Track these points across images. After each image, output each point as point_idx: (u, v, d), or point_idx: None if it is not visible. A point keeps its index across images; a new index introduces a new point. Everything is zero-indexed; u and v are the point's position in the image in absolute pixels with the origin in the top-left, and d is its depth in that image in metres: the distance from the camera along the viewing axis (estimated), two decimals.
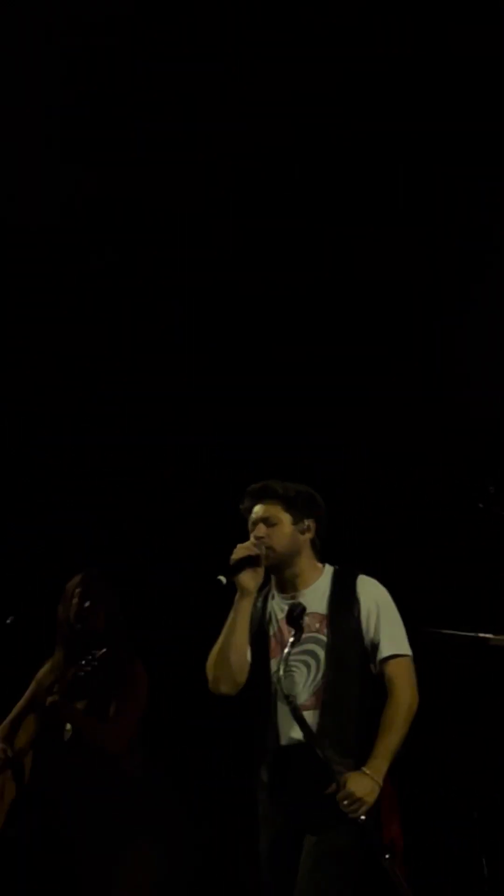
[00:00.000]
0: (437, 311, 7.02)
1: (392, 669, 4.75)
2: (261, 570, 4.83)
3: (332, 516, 5.09)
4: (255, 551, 4.81)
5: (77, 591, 5.82)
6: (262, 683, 4.80)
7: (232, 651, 4.78)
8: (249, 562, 4.80)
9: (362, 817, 4.58)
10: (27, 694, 5.89)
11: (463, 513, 6.04)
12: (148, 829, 5.59)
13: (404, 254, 6.94)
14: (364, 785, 4.58)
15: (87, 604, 5.77)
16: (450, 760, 6.52)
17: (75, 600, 5.79)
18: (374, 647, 4.78)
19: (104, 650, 5.61)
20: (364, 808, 4.56)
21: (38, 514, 7.10)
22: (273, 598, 4.92)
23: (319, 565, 4.95)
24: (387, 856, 4.57)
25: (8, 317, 7.19)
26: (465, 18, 6.57)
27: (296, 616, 4.69)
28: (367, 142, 6.94)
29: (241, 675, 4.80)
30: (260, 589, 4.89)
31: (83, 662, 5.60)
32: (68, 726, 5.65)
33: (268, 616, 4.89)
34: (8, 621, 5.90)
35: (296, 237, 7.15)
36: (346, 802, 4.54)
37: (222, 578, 4.72)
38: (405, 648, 4.81)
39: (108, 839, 5.52)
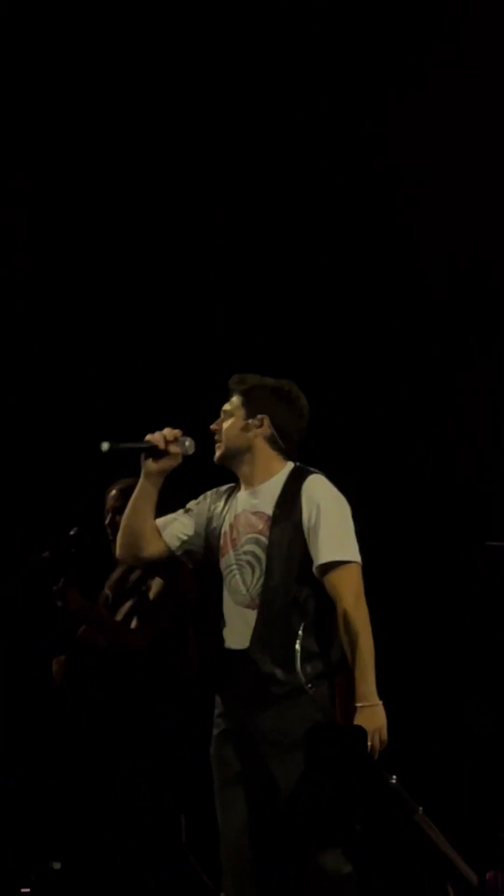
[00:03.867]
0: None
1: (332, 578, 4.55)
2: (164, 463, 4.71)
3: None
4: (160, 443, 4.70)
5: (111, 504, 5.67)
6: (215, 580, 4.73)
7: (129, 524, 4.77)
8: (150, 450, 4.72)
9: (393, 778, 4.59)
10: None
11: None
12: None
13: None
14: (365, 718, 4.52)
15: (118, 518, 5.48)
16: None
17: (109, 516, 5.68)
18: (312, 548, 4.58)
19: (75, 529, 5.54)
20: (381, 734, 4.53)
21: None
22: (237, 491, 4.79)
23: (280, 463, 4.74)
24: (420, 809, 4.64)
25: None
26: None
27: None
28: None
29: (139, 549, 4.77)
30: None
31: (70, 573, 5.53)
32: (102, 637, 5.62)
33: (227, 511, 4.75)
34: (71, 532, 5.72)
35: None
36: (369, 744, 4.50)
37: (104, 445, 4.69)
38: (348, 555, 4.57)
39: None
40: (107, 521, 5.70)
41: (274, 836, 4.60)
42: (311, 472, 4.75)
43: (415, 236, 7.14)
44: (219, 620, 4.72)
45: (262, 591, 4.63)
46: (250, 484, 4.77)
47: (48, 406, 7.21)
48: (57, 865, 5.37)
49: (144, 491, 4.78)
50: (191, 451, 4.75)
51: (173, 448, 4.74)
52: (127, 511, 4.82)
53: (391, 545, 6.59)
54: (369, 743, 4.52)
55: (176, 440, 4.74)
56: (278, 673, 4.58)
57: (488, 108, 7.15)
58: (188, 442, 4.74)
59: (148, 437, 4.75)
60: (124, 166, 7.35)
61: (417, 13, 7.25)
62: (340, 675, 4.67)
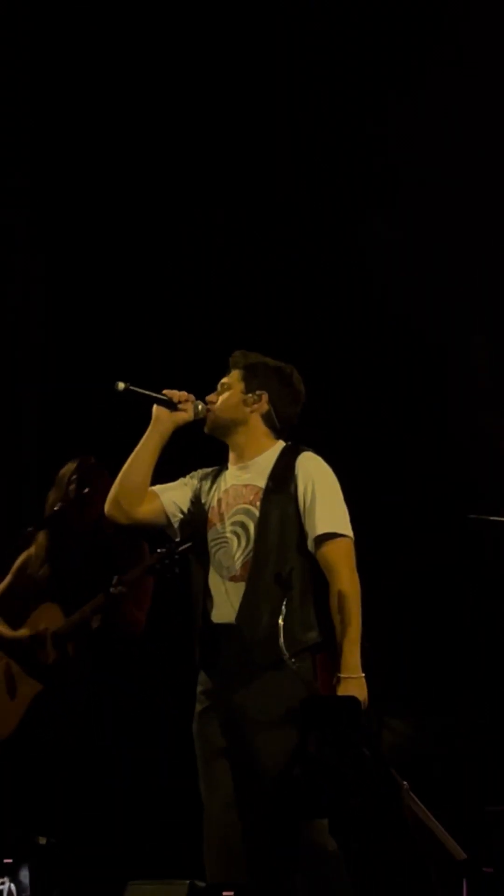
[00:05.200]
0: None
1: (327, 551, 4.60)
2: (177, 415, 4.75)
3: None
4: (175, 397, 4.75)
5: (73, 477, 5.70)
6: (201, 554, 4.74)
7: (128, 475, 4.73)
8: (165, 402, 4.76)
9: None
10: (7, 582, 5.83)
11: None
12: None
13: None
14: (352, 689, 4.51)
15: (85, 490, 5.63)
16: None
17: (72, 486, 5.68)
18: (307, 520, 4.63)
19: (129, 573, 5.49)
20: (364, 706, 4.52)
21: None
22: (223, 470, 4.83)
23: (272, 441, 4.81)
24: (405, 784, 4.57)
25: None
26: None
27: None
28: None
29: (132, 504, 4.74)
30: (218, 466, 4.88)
31: (111, 588, 5.50)
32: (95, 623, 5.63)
33: (215, 486, 4.79)
34: (56, 508, 5.75)
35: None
36: None
37: (120, 384, 4.70)
38: (343, 529, 4.63)
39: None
40: (69, 499, 5.69)
41: (260, 811, 4.56)
42: (305, 449, 4.79)
43: (413, 235, 7.14)
44: (204, 597, 4.70)
45: (252, 559, 4.63)
46: (241, 458, 4.81)
47: (38, 397, 7.23)
48: (42, 840, 5.32)
49: (150, 441, 4.78)
50: (202, 414, 4.81)
51: (185, 406, 4.78)
52: (126, 465, 4.78)
53: (378, 520, 6.57)
54: None
55: (188, 401, 4.80)
56: (264, 644, 4.55)
57: (489, 107, 7.15)
58: (200, 405, 4.81)
59: (166, 391, 4.79)
60: (124, 165, 7.37)
61: (417, 13, 7.26)
62: (321, 652, 4.66)
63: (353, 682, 4.53)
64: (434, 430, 6.82)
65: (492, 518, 5.06)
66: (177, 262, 7.36)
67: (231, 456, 4.84)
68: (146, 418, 4.84)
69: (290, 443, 4.84)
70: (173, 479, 4.89)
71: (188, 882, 4.65)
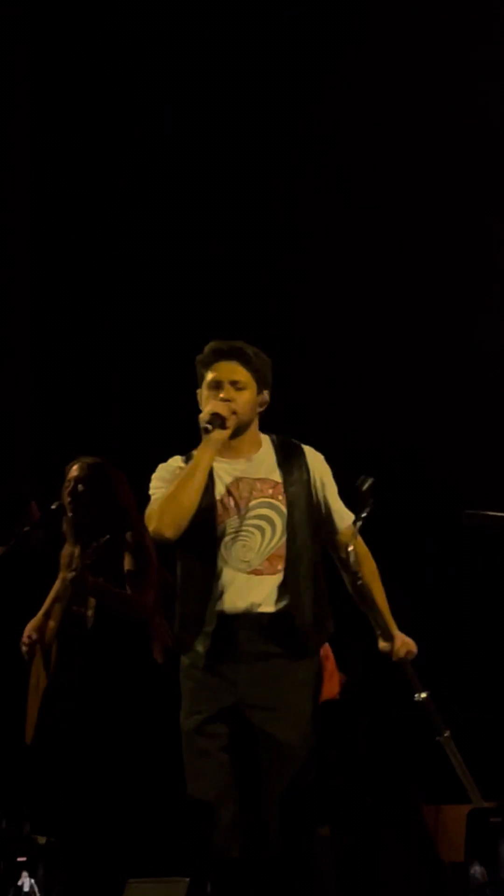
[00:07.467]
0: None
1: (354, 537, 4.73)
2: (226, 433, 4.70)
3: None
4: (224, 412, 4.67)
5: (71, 477, 5.68)
6: (204, 549, 4.69)
7: (185, 495, 4.64)
8: (218, 421, 4.68)
9: (423, 695, 4.64)
10: (56, 583, 5.79)
11: None
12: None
13: None
14: (407, 641, 4.73)
15: (80, 487, 5.62)
16: None
17: (69, 487, 5.66)
18: (331, 515, 4.75)
19: (106, 537, 5.49)
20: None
21: None
22: (215, 462, 4.76)
23: (260, 434, 4.82)
24: (446, 734, 4.62)
25: None
26: None
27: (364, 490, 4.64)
28: None
29: (186, 521, 4.65)
30: None
31: (88, 551, 5.51)
32: (90, 612, 5.62)
33: (212, 480, 4.73)
34: (53, 507, 5.73)
35: None
36: (405, 654, 4.70)
37: (209, 427, 4.64)
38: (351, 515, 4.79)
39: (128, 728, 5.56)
40: (68, 491, 5.71)
41: (257, 798, 4.56)
42: (299, 443, 4.83)
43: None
44: (208, 590, 4.67)
45: (287, 551, 4.65)
46: (238, 454, 4.76)
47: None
48: (42, 840, 5.33)
49: (206, 462, 4.68)
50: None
51: (231, 421, 4.70)
52: (181, 487, 4.66)
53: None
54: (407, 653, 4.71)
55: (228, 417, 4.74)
56: (302, 632, 4.61)
57: None
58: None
59: (213, 408, 4.69)
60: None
61: None
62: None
63: (402, 637, 4.74)
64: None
65: (489, 513, 5.06)
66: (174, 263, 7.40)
67: (223, 449, 4.75)
68: None
69: (273, 435, 4.85)
70: None
71: (188, 880, 4.65)
